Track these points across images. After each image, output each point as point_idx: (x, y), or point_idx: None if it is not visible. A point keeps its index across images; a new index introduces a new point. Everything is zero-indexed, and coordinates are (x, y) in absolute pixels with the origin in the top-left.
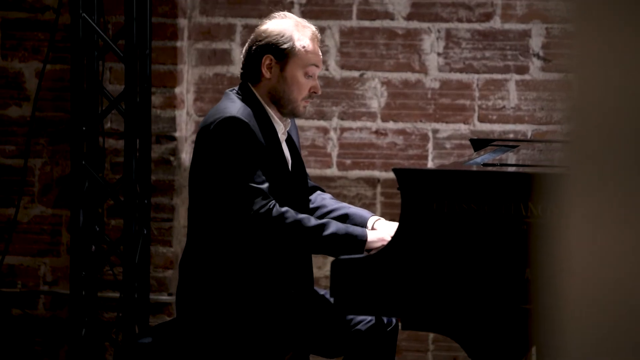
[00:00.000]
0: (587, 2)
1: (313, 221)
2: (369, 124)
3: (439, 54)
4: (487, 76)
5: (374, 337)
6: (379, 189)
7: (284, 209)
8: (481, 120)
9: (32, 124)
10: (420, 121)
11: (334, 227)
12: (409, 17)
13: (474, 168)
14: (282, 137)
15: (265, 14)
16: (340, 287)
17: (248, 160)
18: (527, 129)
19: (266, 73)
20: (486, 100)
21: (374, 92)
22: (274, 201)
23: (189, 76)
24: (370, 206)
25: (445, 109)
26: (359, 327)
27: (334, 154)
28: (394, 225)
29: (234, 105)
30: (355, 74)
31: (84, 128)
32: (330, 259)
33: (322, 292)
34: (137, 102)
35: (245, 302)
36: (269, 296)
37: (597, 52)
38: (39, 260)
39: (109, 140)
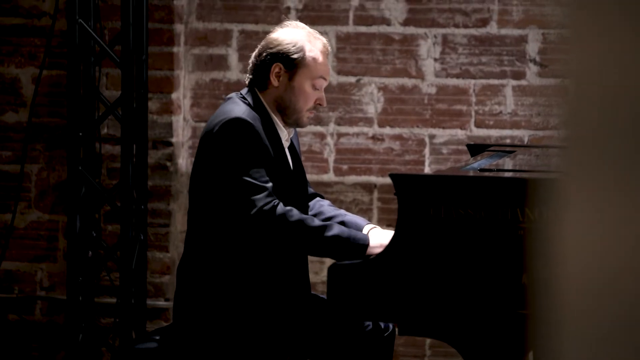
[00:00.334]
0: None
1: (317, 222)
2: (365, 129)
3: (435, 60)
4: (484, 81)
5: (371, 343)
6: (375, 195)
7: (288, 207)
8: (478, 125)
9: (29, 129)
10: (417, 127)
11: (337, 229)
12: (405, 23)
13: (471, 173)
14: (286, 144)
15: (261, 20)
16: (337, 293)
17: (253, 159)
18: (523, 135)
19: (274, 81)
20: (483, 106)
21: (371, 97)
22: (277, 200)
23: (185, 82)
24: (367, 211)
25: (442, 115)
26: (356, 332)
27: (331, 159)
28: (391, 233)
29: (238, 108)
30: (352, 79)
31: (80, 134)
32: (327, 264)
33: (319, 297)
34: (134, 107)
35: (242, 307)
36: (266, 302)
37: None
38: (36, 265)
39: (105, 145)
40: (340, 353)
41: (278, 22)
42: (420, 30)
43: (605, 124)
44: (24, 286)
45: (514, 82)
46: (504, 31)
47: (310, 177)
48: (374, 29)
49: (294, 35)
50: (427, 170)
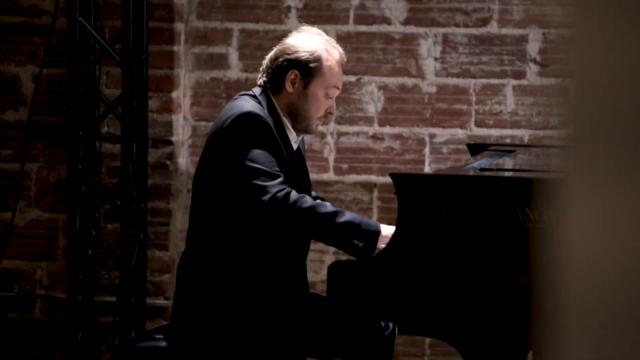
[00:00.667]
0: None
1: (329, 207)
2: (365, 128)
3: (435, 59)
4: (484, 81)
5: (371, 342)
6: (375, 194)
7: (301, 194)
8: (478, 125)
9: (29, 128)
10: (417, 126)
11: (349, 215)
12: (405, 22)
13: (471, 173)
14: (294, 146)
15: (262, 19)
16: (337, 292)
17: (265, 149)
18: (524, 134)
19: (289, 87)
20: (483, 105)
21: (371, 96)
22: (289, 187)
23: (185, 80)
24: (367, 211)
25: (442, 114)
26: (356, 331)
27: (331, 158)
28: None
29: (249, 104)
30: (352, 78)
31: (80, 132)
32: (327, 263)
33: (319, 296)
34: (134, 106)
35: (242, 306)
36: (266, 300)
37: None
38: (36, 264)
39: (105, 144)
40: (340, 352)
41: (279, 21)
42: (421, 30)
43: (606, 123)
44: (24, 285)
45: (514, 82)
46: (504, 31)
47: (310, 176)
48: (374, 28)
49: (312, 43)
50: (427, 169)
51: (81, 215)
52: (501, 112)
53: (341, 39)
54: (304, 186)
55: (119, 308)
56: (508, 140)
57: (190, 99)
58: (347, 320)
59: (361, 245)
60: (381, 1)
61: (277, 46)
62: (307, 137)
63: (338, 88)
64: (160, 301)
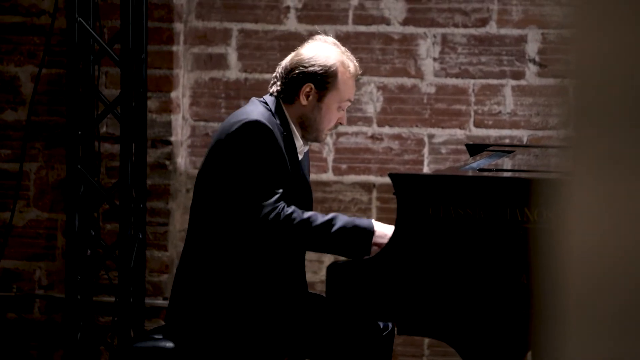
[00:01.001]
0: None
1: (320, 219)
2: (364, 128)
3: (434, 59)
4: (483, 81)
5: (370, 342)
6: (374, 194)
7: (290, 209)
8: (477, 125)
9: (28, 128)
10: (416, 126)
11: (341, 222)
12: (404, 22)
13: (470, 173)
14: (299, 156)
15: (261, 19)
16: (336, 292)
17: (267, 163)
18: (523, 135)
19: (303, 100)
20: (482, 106)
21: (370, 97)
22: (283, 204)
23: (184, 80)
24: (365, 211)
25: (441, 114)
26: (355, 331)
27: (330, 158)
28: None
29: (259, 111)
30: None
31: (79, 132)
32: (326, 263)
33: (317, 296)
34: (133, 106)
35: (241, 306)
36: (265, 301)
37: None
38: (35, 264)
39: (104, 144)
40: (339, 352)
41: (278, 21)
42: (420, 30)
43: (605, 123)
44: (23, 285)
45: (513, 82)
46: (503, 31)
47: (309, 176)
48: (373, 28)
49: (329, 56)
50: (426, 170)
51: (80, 215)
52: (500, 112)
53: (340, 39)
54: (306, 198)
55: (118, 308)
56: (507, 141)
57: (189, 99)
58: (346, 320)
59: (356, 249)
60: (380, 1)
61: (292, 55)
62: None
63: (351, 100)
64: (159, 301)
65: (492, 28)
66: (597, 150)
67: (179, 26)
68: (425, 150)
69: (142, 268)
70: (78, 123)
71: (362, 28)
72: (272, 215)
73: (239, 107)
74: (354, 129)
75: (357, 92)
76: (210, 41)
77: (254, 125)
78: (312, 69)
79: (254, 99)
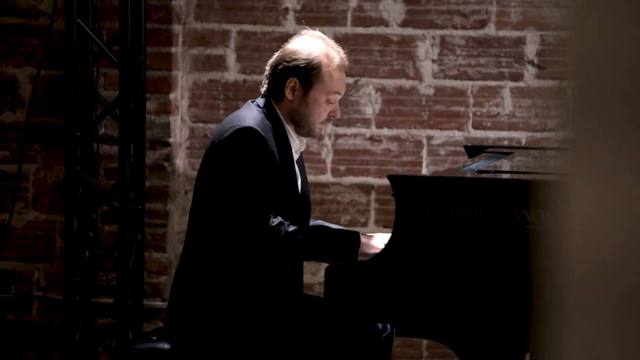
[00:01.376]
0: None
1: (304, 233)
2: (363, 130)
3: (433, 61)
4: (482, 83)
5: (369, 344)
6: (373, 196)
7: (276, 221)
8: (475, 127)
9: (26, 129)
10: (415, 128)
11: (326, 233)
12: (403, 24)
13: (469, 175)
14: (295, 156)
15: (260, 20)
16: (335, 294)
17: (257, 174)
18: (521, 136)
19: (289, 95)
20: (480, 107)
21: (369, 98)
22: (272, 217)
23: (183, 82)
24: (364, 213)
25: (440, 116)
26: (354, 333)
27: (328, 160)
28: (380, 235)
29: (251, 115)
30: (350, 80)
31: (78, 134)
32: (325, 265)
33: (316, 298)
34: (132, 107)
35: (240, 308)
36: (263, 303)
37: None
38: (33, 265)
39: (103, 146)
40: (338, 354)
41: (276, 22)
42: (418, 32)
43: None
44: (21, 286)
45: (511, 84)
46: (502, 33)
47: (307, 178)
48: (372, 30)
49: (311, 48)
50: (424, 171)
51: (78, 217)
52: (499, 114)
53: (339, 41)
54: (302, 198)
55: (116, 309)
56: (505, 142)
57: (188, 100)
58: (345, 322)
59: (343, 260)
60: (379, 3)
61: (278, 52)
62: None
63: (340, 93)
64: (158, 303)
65: (490, 30)
66: (595, 152)
67: (177, 28)
68: (424, 152)
69: (141, 269)
70: (77, 124)
71: (360, 30)
72: (260, 225)
73: (237, 108)
74: (353, 130)
75: (355, 93)
76: (209, 43)
77: (246, 133)
78: (294, 62)
79: (249, 102)
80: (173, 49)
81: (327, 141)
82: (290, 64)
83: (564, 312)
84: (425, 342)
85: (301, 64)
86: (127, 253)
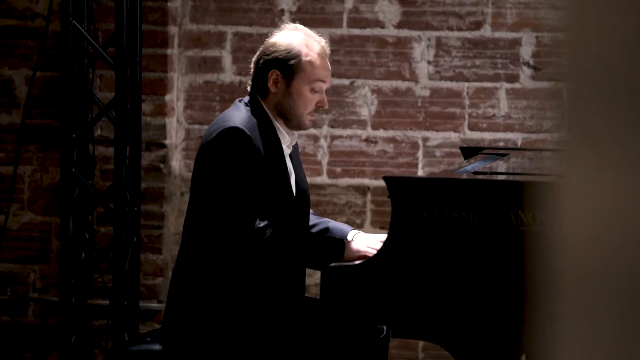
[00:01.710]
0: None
1: (291, 238)
2: (359, 131)
3: (429, 62)
4: (478, 84)
5: (366, 345)
6: (369, 197)
7: (261, 226)
8: (471, 128)
9: (22, 131)
10: (411, 129)
11: (314, 237)
12: (399, 26)
13: (464, 176)
14: (287, 151)
15: (255, 22)
16: (331, 295)
17: (244, 175)
18: (517, 137)
19: (272, 88)
20: (476, 109)
21: (364, 100)
22: (258, 221)
23: (179, 84)
24: (360, 214)
25: (436, 117)
26: (350, 334)
27: (324, 161)
28: (372, 237)
29: (239, 115)
30: (346, 81)
31: (74, 135)
32: None
33: (312, 299)
34: (127, 109)
35: (237, 310)
36: (261, 304)
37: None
38: (29, 267)
39: (99, 147)
40: (334, 356)
41: (272, 24)
42: (414, 33)
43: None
44: (17, 288)
45: (507, 85)
46: (497, 34)
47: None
48: (367, 31)
49: (290, 39)
50: (420, 172)
51: (74, 219)
52: (494, 115)
53: (335, 43)
54: (299, 191)
55: (112, 311)
56: (501, 144)
57: (184, 102)
58: (341, 323)
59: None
60: (375, 5)
61: (260, 48)
62: (300, 140)
63: (324, 81)
64: (154, 304)
65: (486, 31)
66: (590, 153)
67: (173, 29)
68: (420, 153)
69: (137, 271)
70: (72, 126)
71: (356, 31)
72: (244, 227)
73: None
74: (349, 132)
75: (351, 95)
76: (205, 44)
77: (232, 133)
78: (274, 54)
79: (236, 101)
80: (169, 51)
81: (323, 142)
82: (270, 57)
83: (559, 313)
84: (421, 343)
85: (280, 55)
86: (123, 255)
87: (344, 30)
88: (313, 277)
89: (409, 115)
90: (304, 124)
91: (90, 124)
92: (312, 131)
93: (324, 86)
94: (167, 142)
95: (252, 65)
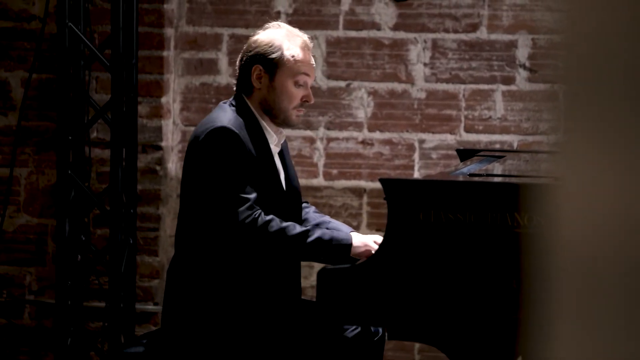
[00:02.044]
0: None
1: (297, 229)
2: (355, 134)
3: (425, 64)
4: (474, 86)
5: (361, 347)
6: (365, 199)
7: (269, 217)
8: (467, 130)
9: (18, 133)
10: (407, 131)
11: (318, 232)
12: (395, 28)
13: (460, 178)
14: (275, 149)
15: (252, 24)
16: (327, 297)
17: (236, 170)
18: (513, 140)
19: (256, 84)
20: (472, 111)
21: (361, 102)
22: (259, 210)
23: (175, 86)
24: (356, 216)
25: (432, 119)
26: (345, 336)
27: (321, 163)
28: (373, 236)
29: (225, 116)
30: (342, 84)
31: (70, 137)
32: (317, 269)
33: (308, 301)
34: (124, 111)
35: (232, 311)
36: (256, 306)
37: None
38: (25, 269)
39: (95, 149)
40: (330, 358)
41: None
42: (410, 35)
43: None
44: (13, 290)
45: (503, 87)
46: (493, 36)
47: (300, 181)
48: (364, 33)
49: (272, 35)
50: (416, 175)
51: (70, 221)
52: (490, 117)
53: (331, 45)
54: (291, 189)
55: (108, 313)
56: (497, 146)
57: (180, 104)
58: (336, 325)
59: (334, 260)
60: (371, 7)
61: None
62: (296, 143)
63: (307, 74)
64: (150, 306)
65: (482, 33)
66: (587, 155)
67: (169, 31)
68: (416, 155)
69: (133, 273)
70: (68, 128)
71: (352, 33)
72: (247, 221)
73: None
74: (345, 134)
75: (347, 97)
76: (201, 46)
77: (219, 132)
78: (256, 50)
79: (221, 103)
80: (165, 53)
81: (319, 145)
82: (252, 52)
83: (555, 315)
84: (417, 345)
85: (262, 50)
86: (119, 257)
87: (340, 33)
88: (309, 279)
89: (405, 117)
90: (291, 120)
91: (86, 126)
92: (309, 133)
93: (309, 80)
94: (163, 144)
95: (237, 66)
